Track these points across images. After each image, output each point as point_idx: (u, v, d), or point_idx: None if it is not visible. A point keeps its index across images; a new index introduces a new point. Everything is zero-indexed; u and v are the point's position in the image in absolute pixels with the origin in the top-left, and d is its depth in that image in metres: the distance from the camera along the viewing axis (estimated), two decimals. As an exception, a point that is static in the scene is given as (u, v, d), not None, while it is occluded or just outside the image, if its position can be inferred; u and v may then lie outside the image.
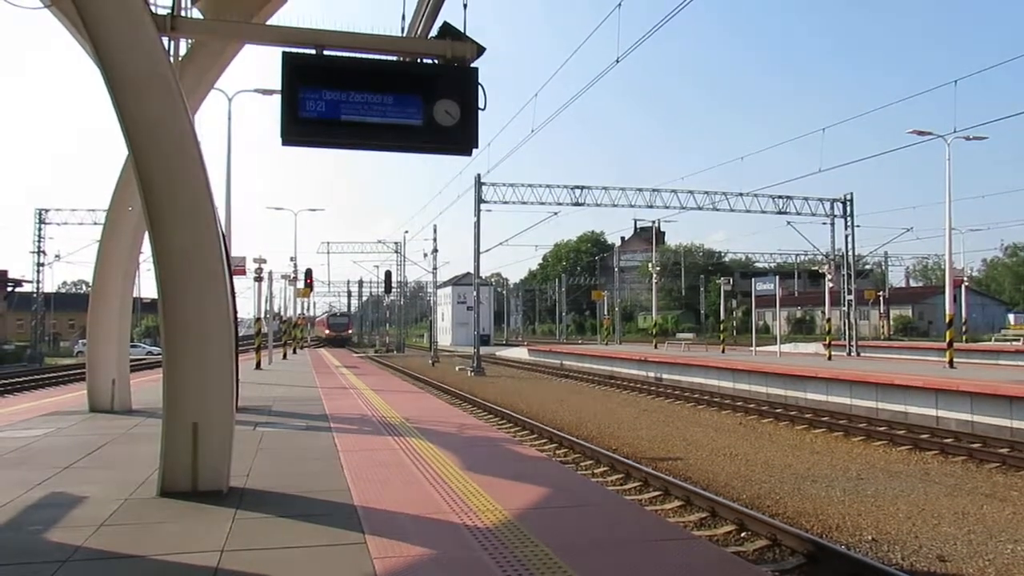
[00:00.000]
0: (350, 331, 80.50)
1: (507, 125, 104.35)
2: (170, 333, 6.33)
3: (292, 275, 39.86)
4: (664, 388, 25.46)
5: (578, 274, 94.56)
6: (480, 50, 6.65)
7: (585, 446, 13.38)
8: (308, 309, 68.10)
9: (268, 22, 11.42)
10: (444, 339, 72.89)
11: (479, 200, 35.60)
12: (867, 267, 76.09)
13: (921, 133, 24.81)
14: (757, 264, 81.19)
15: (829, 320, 32.52)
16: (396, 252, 65.56)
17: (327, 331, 77.31)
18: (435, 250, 48.30)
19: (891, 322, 67.12)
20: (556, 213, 37.68)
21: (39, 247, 49.00)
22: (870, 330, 64.73)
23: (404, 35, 8.04)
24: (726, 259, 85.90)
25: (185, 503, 6.07)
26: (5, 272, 53.46)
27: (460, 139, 6.49)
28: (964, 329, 42.70)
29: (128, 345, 12.90)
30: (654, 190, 37.61)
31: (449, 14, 7.53)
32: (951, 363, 22.36)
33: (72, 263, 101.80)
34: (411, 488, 6.71)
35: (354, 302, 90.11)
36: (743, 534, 8.15)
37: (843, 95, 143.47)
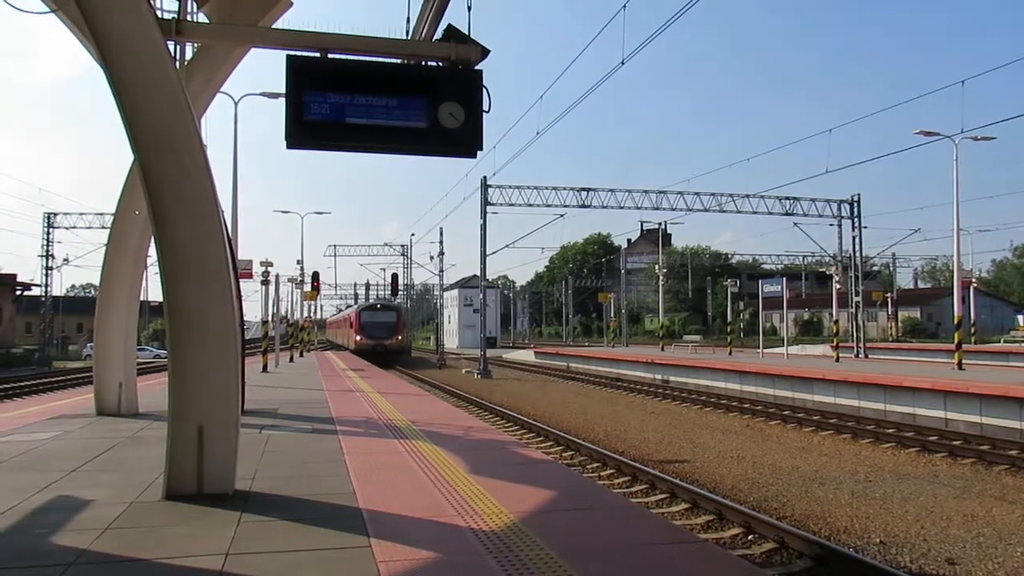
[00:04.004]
0: (399, 337, 46.86)
1: (513, 127, 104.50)
2: (176, 336, 6.33)
3: (299, 278, 39.90)
4: (671, 390, 25.40)
5: (584, 276, 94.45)
6: (484, 52, 6.64)
7: (591, 449, 13.35)
8: (316, 312, 67.62)
9: (273, 26, 11.45)
10: (450, 342, 72.94)
11: (485, 202, 35.60)
12: (875, 268, 75.77)
13: (928, 133, 24.67)
14: (764, 266, 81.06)
15: (836, 322, 32.37)
16: (403, 255, 65.72)
17: (359, 337, 45.12)
18: (441, 253, 48.48)
19: (899, 324, 66.80)
20: (562, 215, 37.69)
21: (47, 251, 49.28)
22: (878, 332, 64.48)
23: (408, 38, 8.05)
24: (733, 261, 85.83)
25: (190, 506, 6.07)
26: (14, 276, 53.62)
27: (465, 141, 6.48)
28: (973, 331, 42.40)
29: (135, 348, 12.92)
30: (660, 192, 37.57)
31: (453, 16, 7.54)
32: (960, 365, 22.24)
33: (80, 266, 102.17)
34: (416, 491, 6.70)
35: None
36: (750, 537, 8.11)
37: (848, 96, 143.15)
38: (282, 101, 6.25)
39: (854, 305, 35.85)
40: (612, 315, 62.27)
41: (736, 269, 77.97)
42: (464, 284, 78.33)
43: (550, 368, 40.10)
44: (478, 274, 38.22)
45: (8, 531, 5.44)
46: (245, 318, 15.45)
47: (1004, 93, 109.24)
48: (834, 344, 30.78)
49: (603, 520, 5.91)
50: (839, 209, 37.11)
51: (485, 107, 6.46)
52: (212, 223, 6.38)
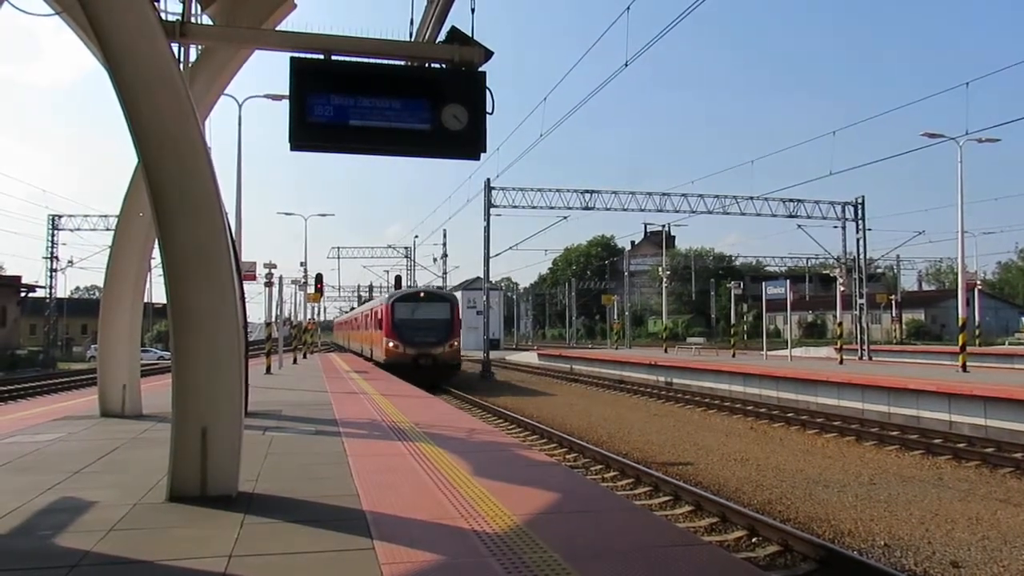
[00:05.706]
0: (455, 343, 28.95)
1: (517, 129, 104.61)
2: (179, 338, 6.34)
3: (302, 280, 39.96)
4: (674, 392, 25.36)
5: (588, 278, 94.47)
6: (488, 54, 6.64)
7: (594, 451, 13.33)
8: (319, 314, 67.40)
9: (277, 28, 11.47)
10: (454, 343, 72.63)
11: (488, 204, 35.63)
12: (879, 271, 75.66)
13: (932, 135, 24.62)
14: (768, 268, 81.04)
15: (840, 324, 32.31)
16: (406, 256, 65.79)
17: (392, 343, 28.66)
18: (445, 255, 48.55)
19: (903, 326, 66.65)
20: (566, 217, 37.71)
21: (52, 252, 49.47)
22: (882, 334, 64.32)
23: (412, 40, 8.05)
24: (736, 263, 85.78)
25: (194, 508, 6.07)
26: (19, 278, 53.84)
27: (468, 143, 6.48)
28: (977, 333, 42.29)
29: (139, 350, 12.95)
30: (664, 194, 37.65)
31: (457, 18, 7.54)
32: (964, 367, 22.16)
33: (85, 268, 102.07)
34: (420, 493, 6.70)
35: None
36: (754, 539, 8.10)
37: (855, 98, 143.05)
38: (286, 103, 6.26)
39: (858, 307, 35.79)
40: (615, 317, 62.23)
41: (740, 271, 77.87)
42: (467, 286, 78.25)
43: (553, 370, 40.07)
44: (481, 276, 38.21)
45: (12, 532, 5.45)
46: (248, 320, 15.48)
47: (1009, 95, 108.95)
48: (838, 346, 30.72)
49: (606, 522, 5.90)
50: (843, 211, 37.10)
51: (488, 109, 6.45)
52: (216, 224, 6.38)
